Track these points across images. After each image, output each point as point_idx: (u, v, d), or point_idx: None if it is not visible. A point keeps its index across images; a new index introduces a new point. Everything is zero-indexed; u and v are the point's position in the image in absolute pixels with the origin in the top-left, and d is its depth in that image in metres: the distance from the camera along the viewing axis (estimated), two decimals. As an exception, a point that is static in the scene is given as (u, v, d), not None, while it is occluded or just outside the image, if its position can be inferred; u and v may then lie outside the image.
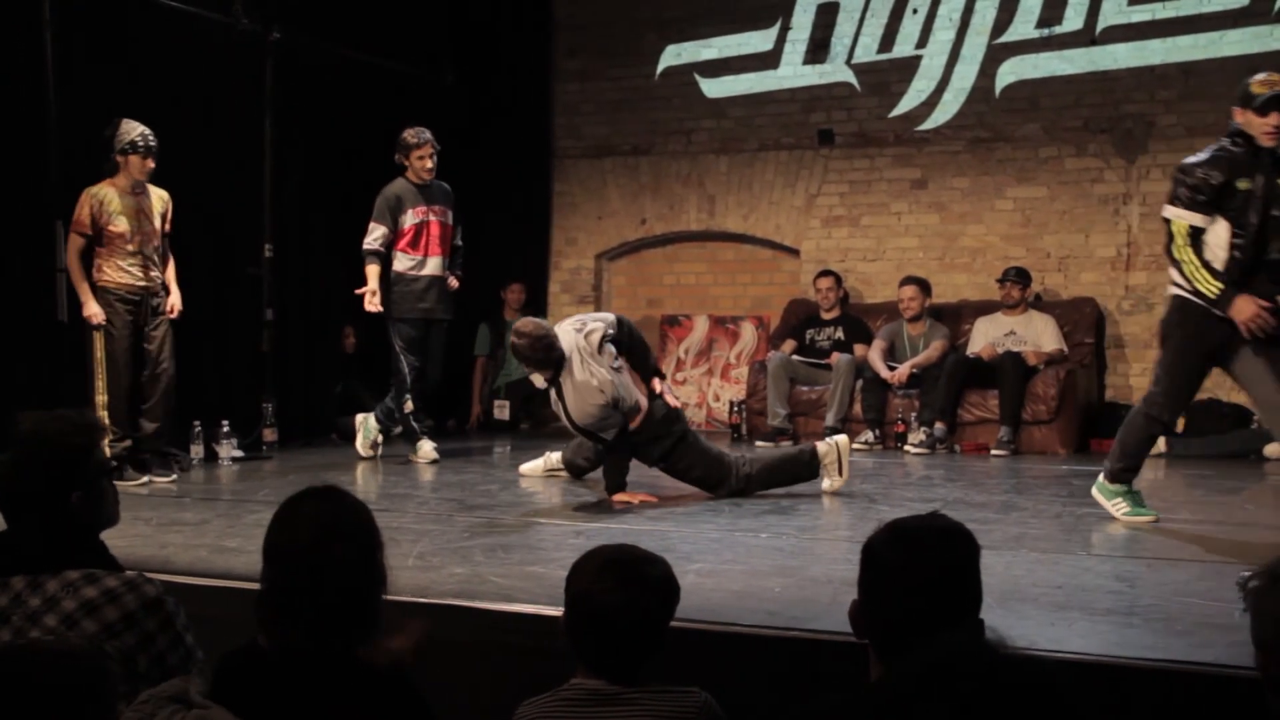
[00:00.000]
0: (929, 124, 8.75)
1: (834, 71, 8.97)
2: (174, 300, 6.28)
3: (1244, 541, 4.52)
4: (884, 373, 7.91)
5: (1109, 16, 8.25)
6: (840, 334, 8.39)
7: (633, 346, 5.76)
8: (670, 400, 5.66)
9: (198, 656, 2.41)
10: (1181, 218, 4.49)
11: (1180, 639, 3.07)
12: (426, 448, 6.91)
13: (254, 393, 7.32)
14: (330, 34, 7.89)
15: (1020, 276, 8.07)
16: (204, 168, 7.17)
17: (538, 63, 9.68)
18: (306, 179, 8.09)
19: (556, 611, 2.44)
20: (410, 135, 6.90)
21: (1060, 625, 3.22)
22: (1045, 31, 8.42)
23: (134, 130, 6.01)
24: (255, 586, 2.17)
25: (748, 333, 9.36)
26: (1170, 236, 4.52)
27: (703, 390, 9.42)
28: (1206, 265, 4.45)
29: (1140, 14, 8.18)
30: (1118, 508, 4.82)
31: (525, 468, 6.45)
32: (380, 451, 7.10)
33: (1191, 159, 4.54)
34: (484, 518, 5.08)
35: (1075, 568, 4.01)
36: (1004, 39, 8.53)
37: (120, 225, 6.01)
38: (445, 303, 7.04)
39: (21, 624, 2.30)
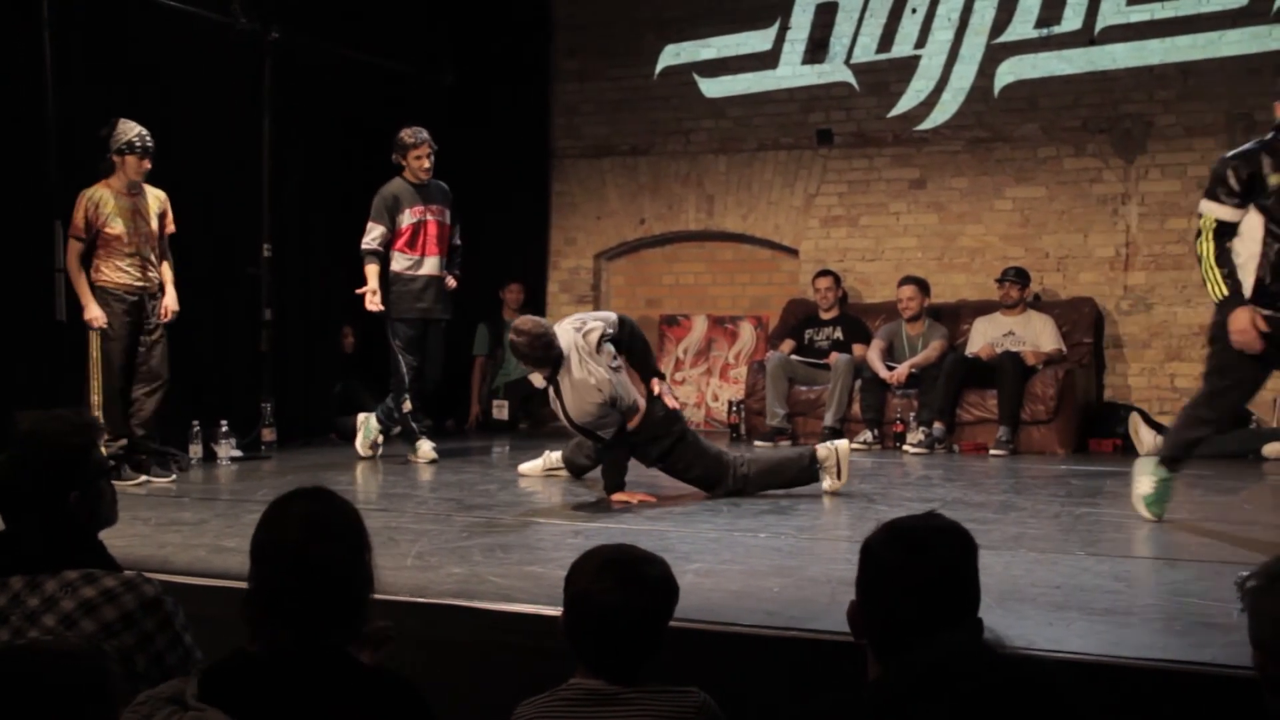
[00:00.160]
0: (928, 124, 8.74)
1: (833, 71, 8.97)
2: (169, 302, 6.24)
3: (1243, 541, 4.52)
4: (883, 373, 7.90)
5: (1108, 16, 8.25)
6: (839, 334, 8.39)
7: (633, 346, 5.75)
8: (669, 402, 5.66)
9: (196, 656, 2.41)
10: (1209, 210, 4.45)
11: (1178, 639, 3.08)
12: (425, 448, 6.91)
13: (253, 392, 7.33)
14: (329, 34, 7.89)
15: (1019, 276, 8.06)
16: (203, 168, 7.17)
17: (537, 63, 9.68)
18: (305, 179, 8.09)
19: (555, 611, 2.44)
20: (407, 135, 6.90)
21: (1058, 625, 3.22)
22: (1044, 31, 8.41)
23: (131, 130, 6.00)
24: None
25: (746, 333, 9.36)
26: (1199, 230, 4.50)
27: (701, 390, 9.42)
28: (1224, 265, 4.38)
29: (1139, 14, 8.17)
30: (1140, 486, 4.79)
31: (524, 467, 6.45)
32: (379, 452, 7.10)
33: (1229, 152, 4.51)
34: (483, 517, 5.08)
35: (1073, 567, 4.01)
36: (1003, 39, 8.52)
37: (116, 227, 6.00)
38: (443, 302, 7.04)
39: (20, 624, 2.30)
